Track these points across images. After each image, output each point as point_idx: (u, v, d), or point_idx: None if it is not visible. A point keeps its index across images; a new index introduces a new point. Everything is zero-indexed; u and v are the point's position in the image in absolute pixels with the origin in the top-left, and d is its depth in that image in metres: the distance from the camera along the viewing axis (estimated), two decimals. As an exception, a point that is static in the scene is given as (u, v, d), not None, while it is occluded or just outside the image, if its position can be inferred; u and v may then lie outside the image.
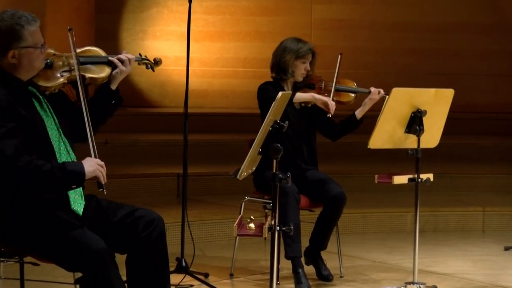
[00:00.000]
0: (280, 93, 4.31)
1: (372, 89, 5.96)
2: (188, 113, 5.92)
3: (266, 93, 5.82)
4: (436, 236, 7.61)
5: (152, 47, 10.58)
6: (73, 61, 4.13)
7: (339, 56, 5.96)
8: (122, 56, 4.35)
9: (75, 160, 4.11)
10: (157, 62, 4.59)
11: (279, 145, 4.15)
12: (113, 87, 4.32)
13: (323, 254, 6.01)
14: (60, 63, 4.17)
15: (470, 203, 8.14)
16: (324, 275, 5.93)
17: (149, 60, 4.56)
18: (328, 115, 5.81)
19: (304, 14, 10.88)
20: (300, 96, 5.83)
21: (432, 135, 5.43)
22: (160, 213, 4.29)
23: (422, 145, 5.32)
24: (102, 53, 4.36)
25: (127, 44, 10.47)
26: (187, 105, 5.92)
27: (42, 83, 4.10)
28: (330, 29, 10.86)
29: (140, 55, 4.55)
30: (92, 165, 3.94)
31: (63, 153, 4.08)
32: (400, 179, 5.38)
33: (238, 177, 4.30)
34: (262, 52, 10.26)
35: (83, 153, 4.16)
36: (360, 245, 7.15)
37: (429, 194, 7.87)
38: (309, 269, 5.93)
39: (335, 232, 6.00)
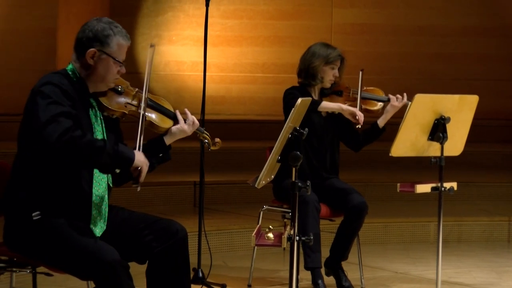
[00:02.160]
0: (299, 100, 4.28)
1: (390, 96, 5.91)
2: (205, 120, 5.88)
3: (292, 100, 5.74)
4: (460, 247, 7.54)
5: (168, 52, 10.54)
6: (143, 97, 4.14)
7: (360, 73, 5.88)
8: (189, 116, 4.33)
9: (111, 180, 4.17)
10: (215, 143, 4.49)
11: (298, 152, 4.10)
12: (167, 142, 4.31)
13: (344, 264, 5.96)
14: (130, 95, 4.19)
15: (495, 213, 8.07)
16: (345, 286, 5.87)
17: (208, 136, 4.48)
18: (357, 126, 5.75)
19: (325, 18, 10.79)
20: (327, 105, 5.80)
21: (456, 143, 5.37)
22: (176, 222, 4.28)
23: (446, 153, 5.27)
24: (171, 107, 4.36)
25: (142, 49, 10.44)
26: (204, 111, 5.90)
27: (105, 102, 4.11)
28: (352, 34, 10.77)
29: (203, 127, 4.48)
30: (142, 158, 3.98)
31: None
32: (423, 188, 5.32)
33: (256, 185, 4.27)
34: (281, 57, 10.21)
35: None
36: (381, 256, 7.11)
37: (453, 203, 7.89)
38: (330, 280, 5.89)
39: (356, 242, 5.96)
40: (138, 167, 3.95)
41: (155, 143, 4.29)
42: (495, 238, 7.75)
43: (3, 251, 4.15)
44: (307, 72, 5.90)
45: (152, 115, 4.22)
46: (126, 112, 4.13)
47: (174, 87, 10.54)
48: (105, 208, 4.12)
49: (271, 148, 4.41)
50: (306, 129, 4.28)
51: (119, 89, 4.15)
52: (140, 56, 10.45)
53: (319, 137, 5.85)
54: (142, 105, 4.13)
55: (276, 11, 10.77)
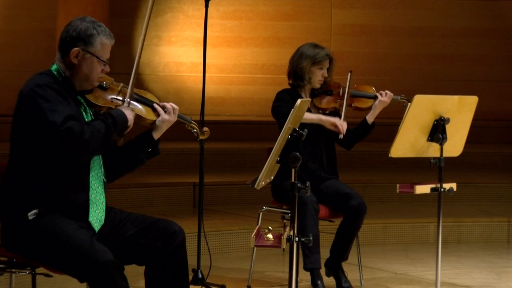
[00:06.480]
0: (299, 101, 4.27)
1: (377, 92, 5.91)
2: (204, 120, 5.85)
3: (278, 108, 5.79)
4: (459, 247, 7.52)
5: (168, 53, 10.53)
6: (129, 91, 4.21)
7: (349, 74, 5.87)
8: (167, 105, 4.36)
9: (103, 177, 4.20)
10: (203, 132, 4.60)
11: (298, 153, 4.09)
12: (155, 136, 4.34)
13: (344, 265, 5.96)
14: (115, 90, 4.24)
15: (494, 214, 8.05)
16: (344, 287, 5.85)
17: (196, 126, 4.55)
18: (339, 137, 5.73)
19: (324, 19, 10.78)
20: (307, 116, 5.72)
21: (455, 144, 5.37)
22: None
23: (445, 154, 5.27)
24: (154, 98, 4.39)
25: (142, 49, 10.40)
26: (203, 112, 5.88)
27: (91, 99, 4.16)
28: (351, 35, 10.76)
29: (190, 119, 4.53)
30: (130, 114, 4.12)
31: (96, 166, 4.13)
32: (423, 189, 5.31)
33: (255, 186, 4.26)
34: (281, 58, 10.19)
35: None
36: (381, 257, 7.10)
37: (452, 204, 7.86)
38: (330, 281, 5.88)
39: (355, 243, 5.95)
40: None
41: (143, 138, 4.31)
42: (495, 239, 7.73)
43: (2, 251, 4.14)
44: (295, 73, 5.88)
45: (138, 107, 4.25)
46: (113, 107, 4.17)
47: (174, 88, 10.53)
48: (102, 202, 4.13)
49: (270, 149, 4.40)
50: (306, 129, 4.27)
51: (104, 85, 4.19)
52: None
53: (312, 140, 5.82)
54: (127, 96, 4.16)
55: (275, 12, 10.76)
